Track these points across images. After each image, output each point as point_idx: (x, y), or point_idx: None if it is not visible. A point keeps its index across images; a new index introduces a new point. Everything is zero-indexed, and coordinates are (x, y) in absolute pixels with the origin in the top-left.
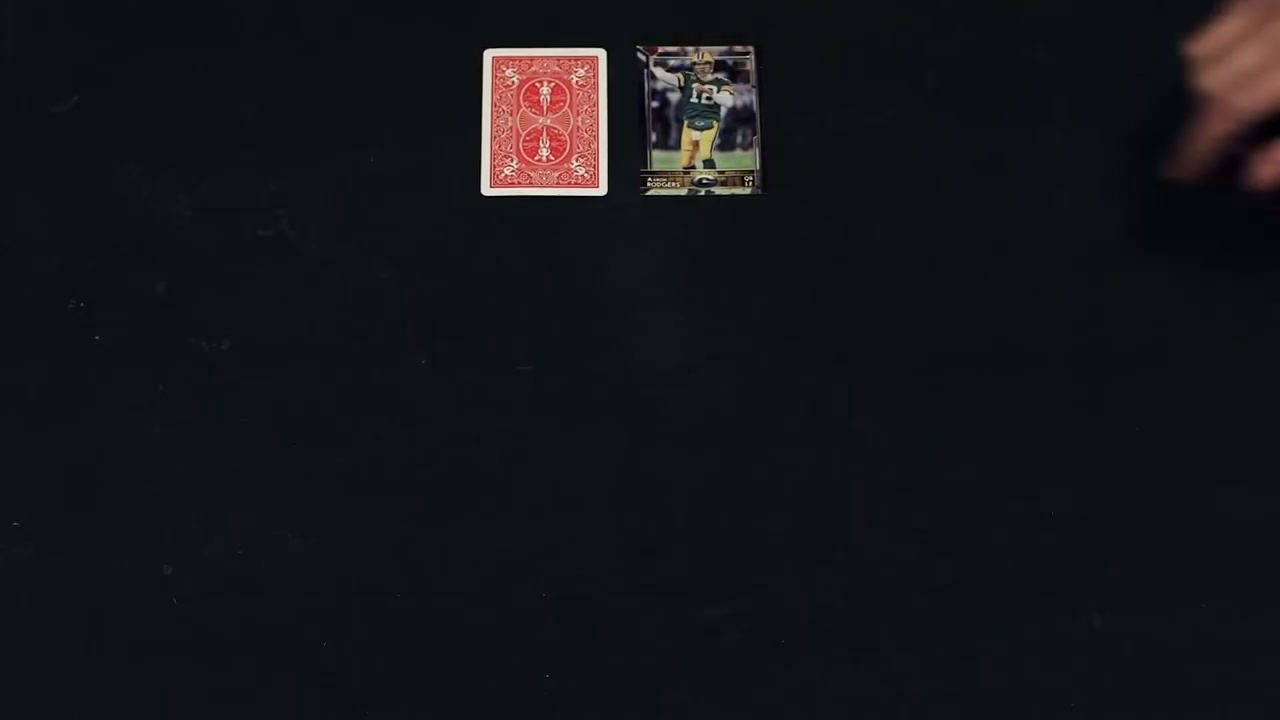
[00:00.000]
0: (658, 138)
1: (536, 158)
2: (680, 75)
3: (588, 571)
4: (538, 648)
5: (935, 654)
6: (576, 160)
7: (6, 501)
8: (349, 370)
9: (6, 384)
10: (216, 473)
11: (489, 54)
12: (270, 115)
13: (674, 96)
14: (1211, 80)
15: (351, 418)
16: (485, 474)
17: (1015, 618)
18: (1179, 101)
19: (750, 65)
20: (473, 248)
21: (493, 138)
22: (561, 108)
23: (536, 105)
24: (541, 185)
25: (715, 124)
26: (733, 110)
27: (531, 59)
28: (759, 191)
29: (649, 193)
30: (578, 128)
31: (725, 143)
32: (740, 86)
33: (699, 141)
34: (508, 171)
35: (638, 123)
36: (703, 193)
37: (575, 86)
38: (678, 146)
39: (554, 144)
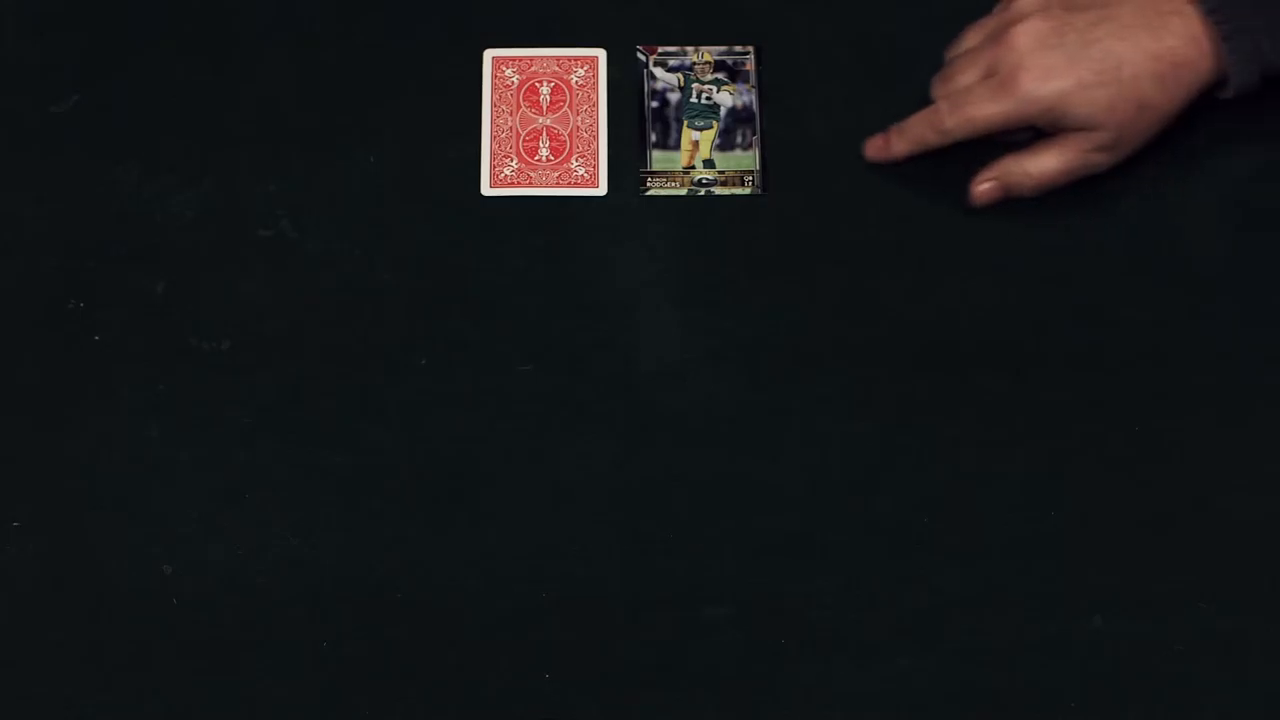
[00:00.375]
0: (657, 138)
1: (536, 158)
2: (680, 75)
3: (588, 571)
4: (538, 647)
5: (935, 654)
6: (576, 160)
7: (6, 501)
8: (349, 370)
9: (6, 384)
10: (216, 472)
11: (489, 54)
12: (270, 115)
13: (674, 96)
14: (936, 89)
15: (351, 418)
16: (485, 474)
17: (1015, 618)
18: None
19: (750, 65)
20: (473, 248)
21: (493, 138)
22: (561, 108)
23: (536, 105)
24: (541, 185)
25: (715, 124)
26: (732, 110)
27: (531, 59)
28: (759, 191)
29: (649, 193)
30: (578, 128)
31: (725, 143)
32: (740, 86)
33: (699, 141)
34: (508, 171)
35: (637, 123)
36: (703, 193)
37: (575, 86)
38: (678, 146)
39: (554, 144)
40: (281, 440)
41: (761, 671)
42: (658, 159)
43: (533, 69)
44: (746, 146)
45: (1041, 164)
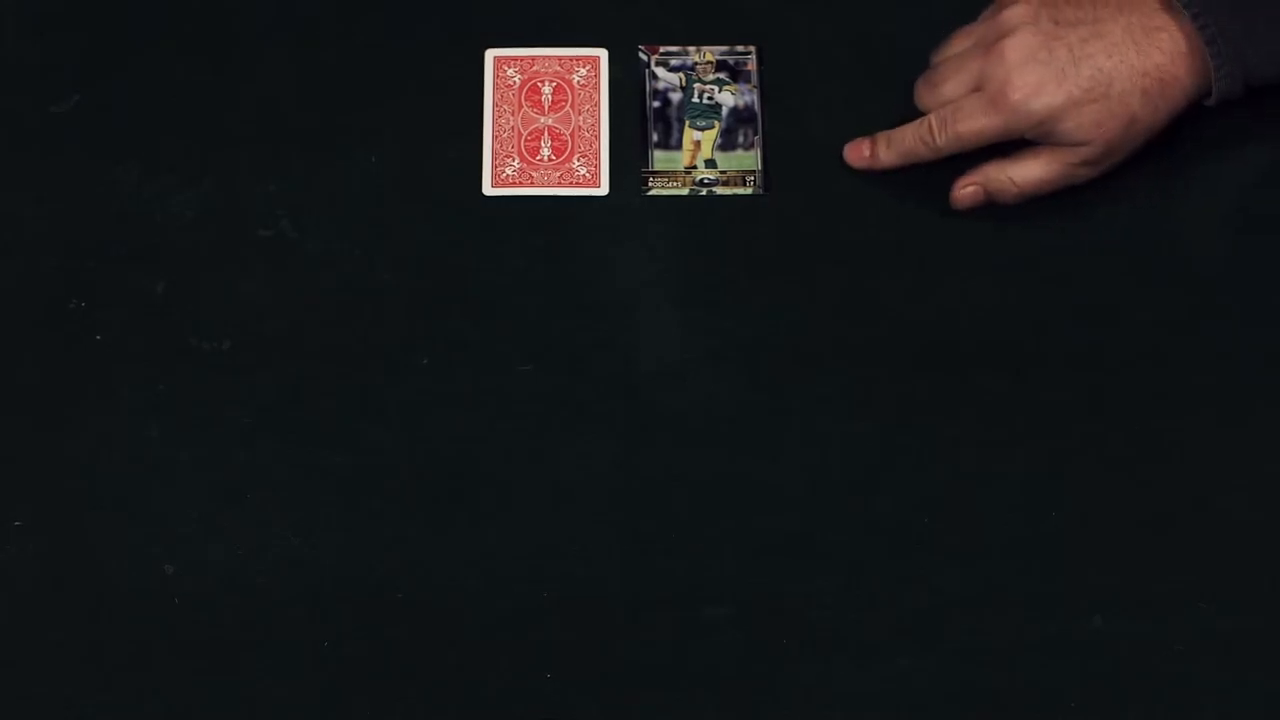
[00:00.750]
0: (659, 137)
1: (538, 157)
2: (682, 75)
3: (588, 571)
4: (538, 647)
5: (935, 654)
6: (578, 160)
7: (6, 501)
8: (349, 370)
9: (6, 384)
10: (216, 472)
11: (490, 54)
12: (270, 115)
13: (675, 96)
14: (921, 95)
15: (351, 418)
16: (485, 474)
17: (1015, 618)
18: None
19: (752, 65)
20: (473, 248)
21: (494, 137)
22: (563, 107)
23: (538, 105)
24: (543, 185)
25: (716, 124)
26: (734, 110)
27: (533, 59)
28: (760, 191)
29: (650, 192)
30: (579, 127)
31: (726, 143)
32: (742, 86)
33: (700, 141)
34: (509, 171)
35: (639, 122)
36: (704, 192)
37: (577, 86)
38: (679, 146)
39: (555, 144)
40: (281, 440)
41: (761, 671)
42: (659, 159)
43: (534, 69)
44: (748, 146)
45: (1026, 173)
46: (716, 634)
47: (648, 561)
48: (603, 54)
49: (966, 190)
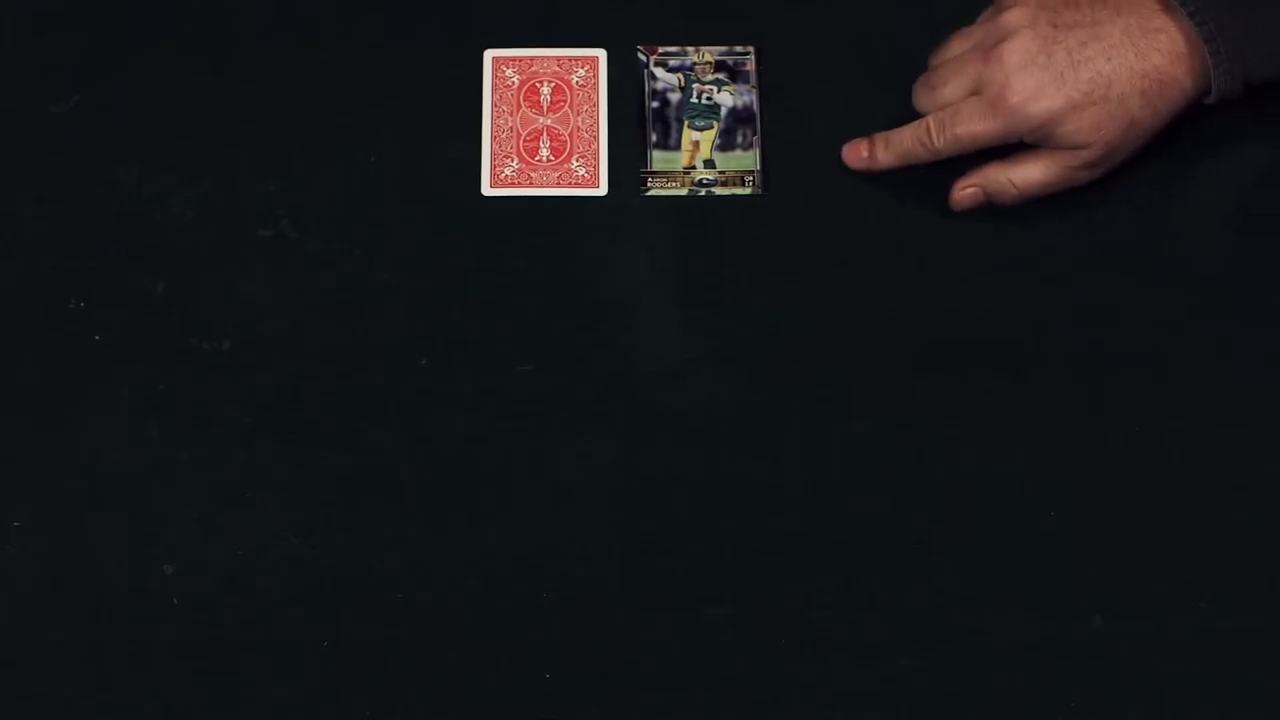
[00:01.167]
0: (658, 138)
1: (537, 158)
2: (680, 75)
3: (588, 571)
4: (538, 647)
5: (935, 654)
6: (577, 160)
7: (6, 501)
8: (349, 370)
9: (6, 384)
10: (216, 472)
11: (489, 54)
12: (270, 115)
13: (674, 97)
14: (919, 97)
15: (351, 418)
16: (485, 474)
17: (1015, 618)
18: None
19: (750, 65)
20: (473, 248)
21: (493, 138)
22: (562, 108)
23: (537, 105)
24: (542, 185)
25: (715, 124)
26: (733, 110)
27: (532, 59)
28: (759, 191)
29: (649, 193)
30: (578, 128)
31: (725, 143)
32: (740, 87)
33: (699, 141)
34: (508, 171)
35: (638, 123)
36: (703, 193)
37: (576, 86)
38: (678, 146)
39: (554, 144)
40: (281, 440)
41: (761, 671)
42: (658, 159)
43: (533, 69)
44: (747, 146)
45: (1026, 175)
46: (716, 634)
47: (648, 561)
48: (601, 54)
49: (966, 192)
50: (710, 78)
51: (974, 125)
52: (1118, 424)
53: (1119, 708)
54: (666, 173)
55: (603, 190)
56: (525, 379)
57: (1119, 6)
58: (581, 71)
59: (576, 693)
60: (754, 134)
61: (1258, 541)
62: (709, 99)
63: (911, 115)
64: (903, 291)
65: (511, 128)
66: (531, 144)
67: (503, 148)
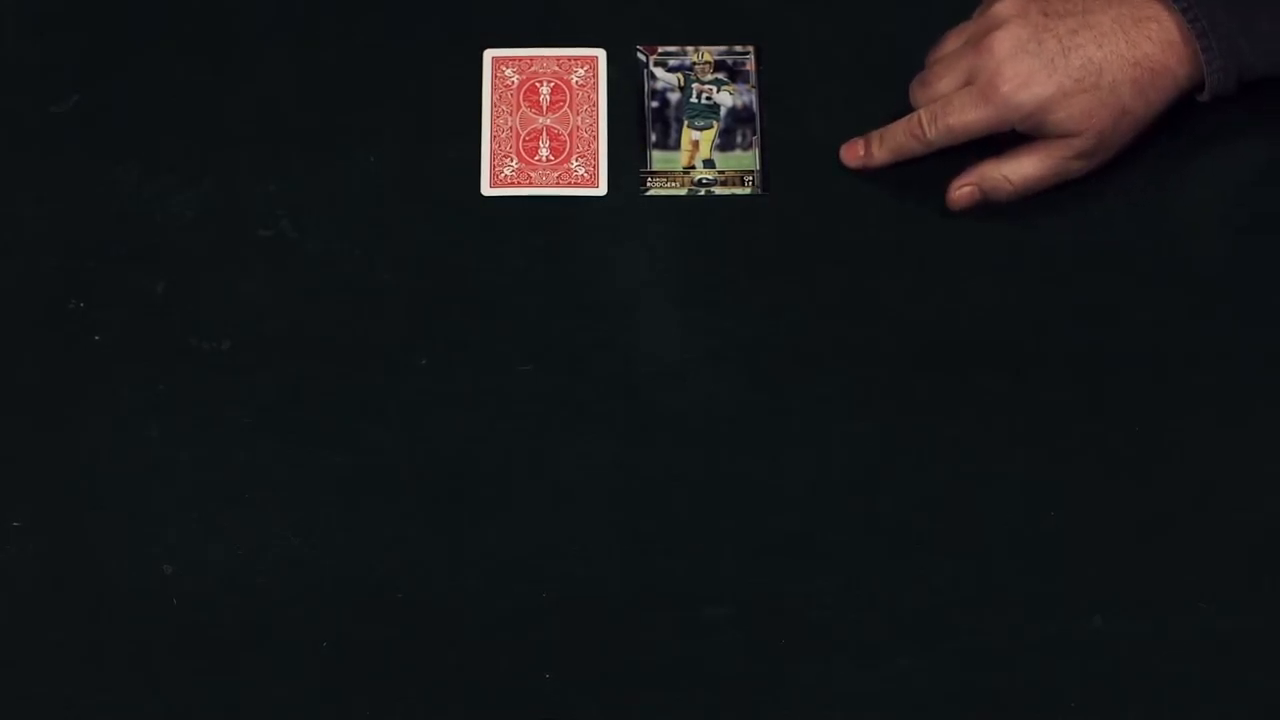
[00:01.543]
0: (658, 138)
1: (536, 158)
2: (680, 75)
3: (588, 571)
4: (538, 647)
5: (935, 654)
6: (576, 160)
7: (6, 501)
8: (349, 370)
9: (6, 384)
10: (216, 472)
11: (489, 54)
12: (270, 115)
13: (674, 96)
14: (915, 94)
15: (351, 418)
16: (485, 474)
17: (1015, 618)
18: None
19: (750, 65)
20: (473, 248)
21: (493, 138)
22: (561, 108)
23: (536, 105)
24: (541, 185)
25: (715, 124)
26: (733, 110)
27: (531, 59)
28: (759, 191)
29: (649, 193)
30: (577, 128)
31: (725, 143)
32: (740, 86)
33: (699, 141)
34: (508, 171)
35: (637, 123)
36: (703, 193)
37: (575, 86)
38: (678, 146)
39: (554, 144)
40: (281, 440)
41: (761, 671)
42: (658, 159)
43: (533, 69)
44: (747, 146)
45: (1020, 170)
46: (716, 634)
47: (648, 561)
48: (601, 54)
49: (962, 191)
50: (710, 78)
51: (965, 115)
52: (1118, 424)
53: (1119, 708)
54: (666, 173)
55: (602, 190)
56: (525, 379)
57: None
58: (581, 71)
59: (576, 693)
60: (754, 134)
61: (1258, 541)
62: (709, 99)
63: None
64: (903, 291)
65: (511, 127)
66: (531, 144)
67: (502, 148)
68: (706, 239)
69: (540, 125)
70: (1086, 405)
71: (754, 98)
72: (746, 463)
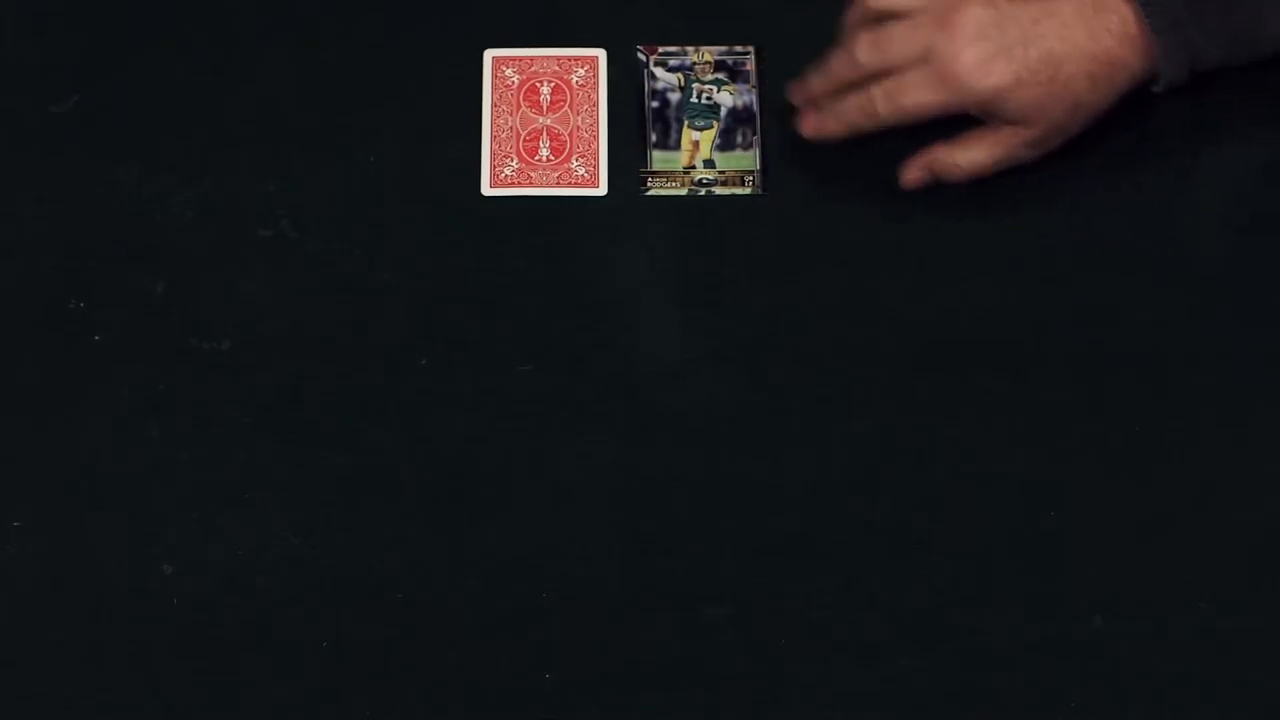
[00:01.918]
0: (658, 138)
1: (536, 158)
2: (680, 75)
3: (588, 571)
4: (538, 647)
5: (935, 654)
6: (576, 160)
7: (6, 501)
8: (349, 370)
9: (6, 384)
10: (216, 472)
11: (489, 54)
12: (270, 115)
13: (674, 96)
14: (865, 50)
15: (351, 418)
16: (485, 474)
17: (1015, 618)
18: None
19: (750, 65)
20: (473, 248)
21: (493, 138)
22: (561, 108)
23: (536, 105)
24: (541, 185)
25: (715, 124)
26: (733, 110)
27: (531, 59)
28: (759, 191)
29: (649, 193)
30: (578, 128)
31: (725, 143)
32: (740, 86)
33: (699, 141)
34: (508, 171)
35: (638, 123)
36: (703, 193)
37: (575, 86)
38: (678, 146)
39: (554, 144)
40: (281, 440)
41: (761, 671)
42: (658, 159)
43: (533, 69)
44: (747, 146)
45: (970, 155)
46: (716, 634)
47: (648, 561)
48: (601, 54)
49: (914, 175)
50: (710, 77)
51: (920, 96)
52: (1118, 424)
53: (1119, 708)
54: (666, 173)
55: (602, 190)
56: (525, 379)
57: None
58: (581, 71)
59: (576, 693)
60: (754, 134)
61: (1258, 541)
62: (709, 99)
63: (912, 132)
64: (903, 291)
65: (511, 127)
66: (531, 144)
67: (502, 148)
68: (706, 239)
69: (540, 125)
70: (1086, 405)
71: (754, 98)
72: (746, 463)
